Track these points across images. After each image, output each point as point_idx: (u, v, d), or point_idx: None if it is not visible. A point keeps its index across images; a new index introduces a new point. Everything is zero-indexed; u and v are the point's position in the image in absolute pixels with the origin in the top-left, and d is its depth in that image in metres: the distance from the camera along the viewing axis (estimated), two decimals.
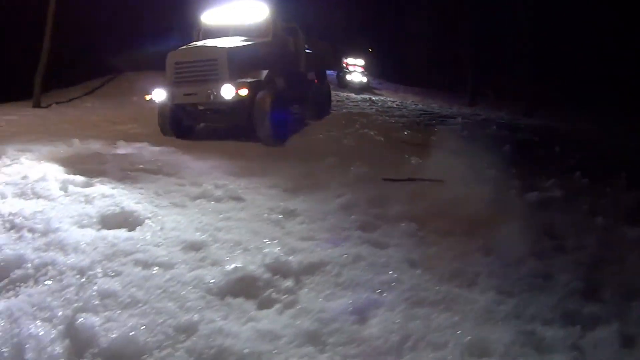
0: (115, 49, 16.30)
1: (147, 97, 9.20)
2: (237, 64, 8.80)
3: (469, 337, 2.68)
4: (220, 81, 8.46)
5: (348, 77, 24.50)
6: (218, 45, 8.98)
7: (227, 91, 8.30)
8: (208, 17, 10.71)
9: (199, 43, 9.67)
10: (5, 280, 3.16)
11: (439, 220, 4.80)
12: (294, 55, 11.01)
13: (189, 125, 9.91)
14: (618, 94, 18.15)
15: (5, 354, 2.46)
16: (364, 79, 24.70)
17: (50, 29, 14.11)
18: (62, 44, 14.66)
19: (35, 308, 2.82)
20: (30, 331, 2.56)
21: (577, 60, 20.90)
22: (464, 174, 6.16)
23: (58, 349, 2.49)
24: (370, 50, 28.87)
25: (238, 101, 8.50)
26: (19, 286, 3.09)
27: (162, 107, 9.45)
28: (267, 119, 8.68)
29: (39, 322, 2.66)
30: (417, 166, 6.93)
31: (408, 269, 3.66)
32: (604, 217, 4.94)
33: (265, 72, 9.16)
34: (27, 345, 2.46)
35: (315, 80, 12.25)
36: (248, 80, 8.66)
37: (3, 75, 13.98)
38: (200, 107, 9.24)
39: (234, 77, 8.57)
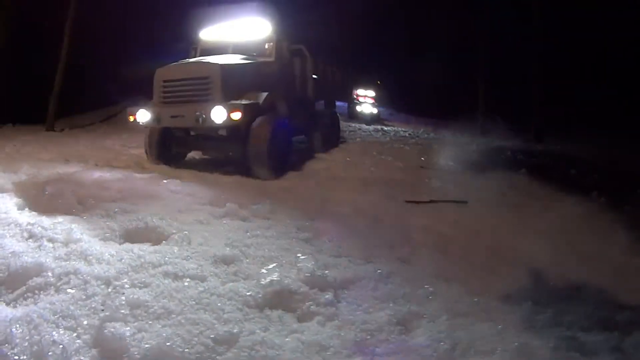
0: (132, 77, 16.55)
1: (131, 118, 8.18)
2: (232, 84, 7.81)
3: (515, 344, 2.73)
4: (211, 102, 7.43)
5: (358, 108, 24.48)
6: (211, 62, 7.96)
7: (218, 114, 7.26)
8: (207, 34, 9.89)
9: (191, 60, 8.79)
10: (23, 288, 3.12)
11: (465, 238, 4.87)
12: (300, 80, 9.99)
13: (178, 152, 9.02)
14: (628, 117, 18.30)
15: None
16: (375, 111, 24.82)
17: (65, 55, 14.51)
18: (78, 69, 15.06)
19: (57, 316, 2.74)
20: (53, 339, 2.45)
21: (586, 83, 21.11)
22: (485, 196, 6.23)
23: (84, 358, 2.40)
24: (379, 82, 28.97)
25: (231, 127, 7.60)
26: (39, 294, 3.05)
27: (151, 130, 8.65)
28: (265, 150, 7.58)
29: (62, 330, 2.57)
30: (437, 189, 6.99)
31: (442, 283, 3.71)
32: (625, 231, 4.99)
33: (264, 95, 8.07)
34: (50, 354, 2.34)
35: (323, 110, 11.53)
36: (243, 103, 7.60)
37: (16, 99, 14.36)
38: (192, 133, 8.52)
39: (229, 98, 7.60)
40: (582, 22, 22.05)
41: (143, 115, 8.00)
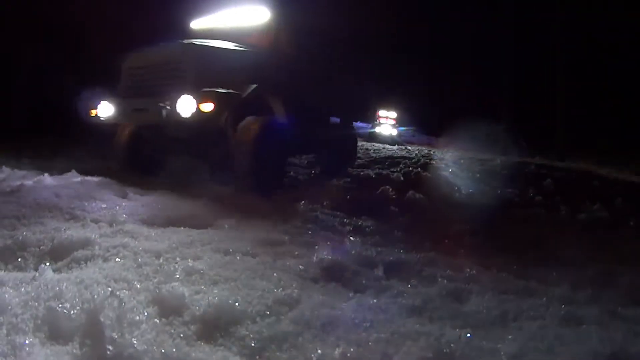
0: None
1: (93, 113, 6.90)
2: (210, 72, 6.35)
3: (561, 312, 2.93)
4: (180, 92, 5.91)
5: (377, 129, 24.50)
6: (184, 43, 6.61)
7: (185, 105, 5.81)
8: (198, 24, 8.62)
9: (163, 43, 7.06)
10: (68, 258, 3.21)
11: (501, 234, 5.07)
12: (310, 83, 8.15)
13: (153, 157, 7.62)
14: None
15: (79, 319, 2.31)
16: (394, 132, 24.88)
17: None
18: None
19: (109, 279, 2.81)
20: (107, 297, 2.34)
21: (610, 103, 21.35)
22: (515, 200, 6.45)
23: (141, 316, 2.35)
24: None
25: (203, 123, 6.06)
26: (86, 263, 3.14)
27: (121, 128, 7.46)
28: (250, 156, 6.16)
29: (116, 291, 2.54)
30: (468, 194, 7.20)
31: (484, 270, 3.90)
32: None
33: (252, 87, 6.49)
34: (105, 311, 2.21)
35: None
36: (218, 91, 6.08)
37: None
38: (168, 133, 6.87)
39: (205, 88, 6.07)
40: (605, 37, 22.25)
41: (105, 109, 6.75)
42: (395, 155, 14.19)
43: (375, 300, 2.98)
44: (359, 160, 11.52)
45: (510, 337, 2.60)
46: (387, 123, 25.01)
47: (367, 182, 8.39)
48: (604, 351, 2.37)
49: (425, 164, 11.68)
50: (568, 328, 2.73)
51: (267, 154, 6.33)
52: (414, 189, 6.72)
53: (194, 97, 5.81)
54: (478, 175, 9.51)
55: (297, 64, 7.86)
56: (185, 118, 5.83)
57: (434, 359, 2.32)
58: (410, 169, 10.75)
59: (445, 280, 3.44)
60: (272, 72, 7.19)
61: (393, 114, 25.44)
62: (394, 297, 3.08)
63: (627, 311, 3.09)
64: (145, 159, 7.57)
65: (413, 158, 13.24)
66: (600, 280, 3.78)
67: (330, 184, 7.69)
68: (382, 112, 24.66)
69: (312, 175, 9.54)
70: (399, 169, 10.70)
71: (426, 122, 31.20)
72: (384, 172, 9.87)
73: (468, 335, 2.53)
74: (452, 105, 30.24)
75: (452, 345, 2.42)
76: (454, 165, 11.65)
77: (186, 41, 6.69)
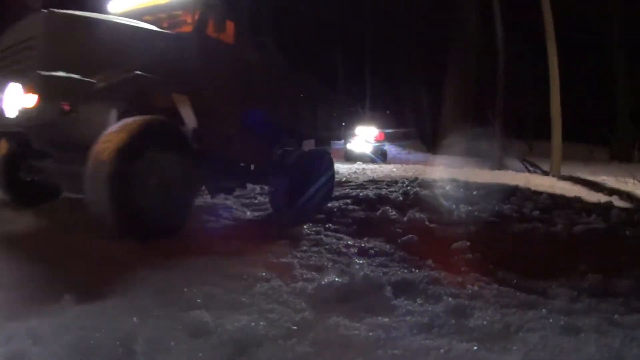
0: None
1: None
2: (74, 52, 4.63)
3: (561, 322, 3.11)
4: (17, 78, 4.34)
5: (349, 145, 21.74)
6: (46, 11, 4.63)
7: (10, 98, 4.26)
8: (116, 6, 6.56)
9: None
10: None
11: (501, 249, 5.26)
12: (258, 85, 6.36)
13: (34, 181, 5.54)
14: None
15: None
16: (367, 150, 22.32)
17: None
18: None
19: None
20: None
21: None
22: (513, 215, 6.63)
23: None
24: (388, 112, 27.73)
25: (39, 127, 4.39)
26: None
27: None
28: (105, 182, 4.02)
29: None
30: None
31: (485, 285, 4.08)
32: None
33: (134, 75, 4.65)
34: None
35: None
36: (56, 75, 4.26)
37: None
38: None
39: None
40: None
41: None
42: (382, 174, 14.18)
43: (386, 319, 3.15)
44: None
45: (514, 348, 2.78)
46: (361, 139, 22.13)
47: None
48: (602, 358, 2.54)
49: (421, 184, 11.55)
50: (568, 337, 2.90)
51: (140, 184, 4.34)
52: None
53: (24, 86, 4.18)
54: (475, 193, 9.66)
55: (242, 60, 6.20)
56: (11, 118, 4.28)
57: None
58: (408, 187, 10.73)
59: (450, 298, 3.61)
60: (195, 65, 5.52)
61: (373, 130, 23.07)
62: (403, 316, 3.25)
63: (624, 319, 3.27)
64: (25, 182, 5.67)
65: (403, 176, 13.18)
66: (598, 290, 3.97)
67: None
68: (360, 128, 21.67)
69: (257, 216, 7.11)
70: None
71: (423, 134, 30.42)
72: None
73: (474, 348, 2.71)
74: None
75: (460, 358, 2.61)
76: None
77: (49, 10, 4.66)
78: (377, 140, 23.18)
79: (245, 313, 3.04)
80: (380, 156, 22.90)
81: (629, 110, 27.56)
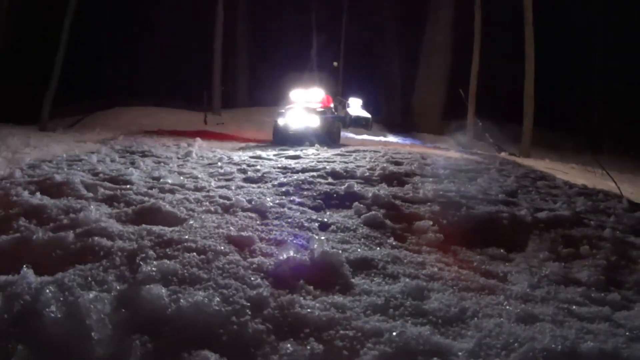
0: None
1: None
2: None
3: (518, 310, 3.06)
4: None
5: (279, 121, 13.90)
6: None
7: None
8: None
9: None
10: None
11: (464, 231, 5.20)
12: None
13: None
14: None
15: None
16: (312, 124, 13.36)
17: (62, 57, 14.71)
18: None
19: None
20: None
21: None
22: (479, 197, 6.58)
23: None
24: (335, 64, 25.01)
25: None
26: None
27: None
28: None
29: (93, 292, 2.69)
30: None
31: (445, 267, 4.02)
32: (611, 230, 5.32)
33: None
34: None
35: None
36: None
37: (14, 97, 14.50)
38: None
39: None
40: None
41: None
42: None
43: (341, 298, 3.09)
44: None
45: (468, 334, 2.73)
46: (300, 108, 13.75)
47: None
48: (555, 348, 2.48)
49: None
50: (523, 325, 2.85)
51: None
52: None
53: None
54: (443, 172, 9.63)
55: None
56: None
57: (395, 355, 2.46)
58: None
59: (408, 279, 3.55)
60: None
61: (319, 93, 14.68)
62: (359, 295, 3.19)
63: (581, 309, 3.24)
64: None
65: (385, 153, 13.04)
66: (558, 278, 3.93)
67: None
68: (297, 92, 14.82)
69: None
70: None
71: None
72: None
73: (428, 332, 2.65)
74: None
75: (412, 341, 2.54)
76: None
77: None
78: (325, 107, 14.26)
79: (201, 288, 2.99)
80: (350, 129, 17.13)
81: (603, 101, 27.80)
